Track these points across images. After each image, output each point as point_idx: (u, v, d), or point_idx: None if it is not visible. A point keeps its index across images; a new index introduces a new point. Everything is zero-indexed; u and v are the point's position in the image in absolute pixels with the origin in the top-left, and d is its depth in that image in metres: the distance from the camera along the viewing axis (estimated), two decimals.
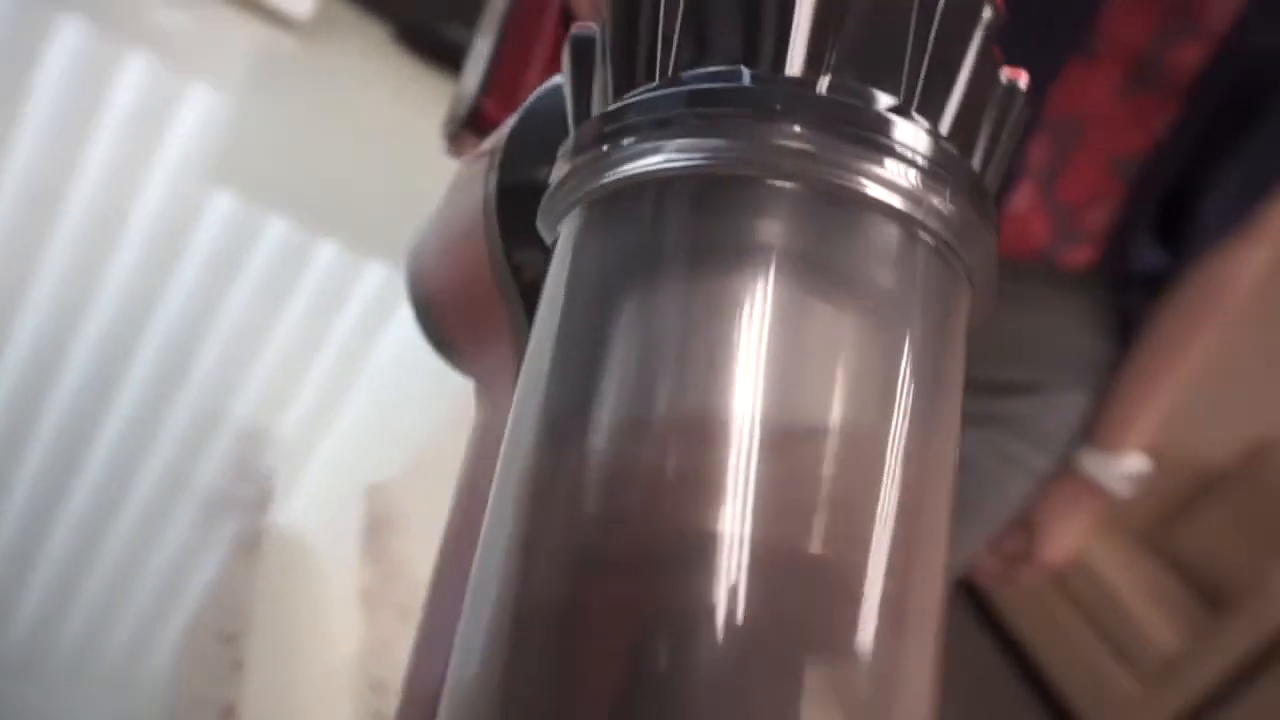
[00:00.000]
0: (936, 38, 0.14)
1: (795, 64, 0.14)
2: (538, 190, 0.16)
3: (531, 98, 0.21)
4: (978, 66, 0.15)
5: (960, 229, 0.14)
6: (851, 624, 0.12)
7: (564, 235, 0.15)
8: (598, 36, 0.16)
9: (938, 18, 0.14)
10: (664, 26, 0.15)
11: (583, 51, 0.16)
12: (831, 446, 0.12)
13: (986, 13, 0.14)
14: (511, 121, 0.21)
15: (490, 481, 0.14)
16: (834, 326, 0.13)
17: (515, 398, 0.15)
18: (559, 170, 0.15)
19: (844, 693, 0.11)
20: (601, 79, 0.16)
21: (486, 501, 0.14)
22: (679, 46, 0.14)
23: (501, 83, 0.27)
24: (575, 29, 0.17)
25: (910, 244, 0.14)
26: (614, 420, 0.12)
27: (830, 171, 0.13)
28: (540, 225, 0.16)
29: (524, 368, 0.15)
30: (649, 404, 0.12)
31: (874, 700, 0.11)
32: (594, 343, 0.13)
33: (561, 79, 0.17)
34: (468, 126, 0.28)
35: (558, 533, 0.12)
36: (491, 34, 0.29)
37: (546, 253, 0.16)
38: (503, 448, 0.14)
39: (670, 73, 0.15)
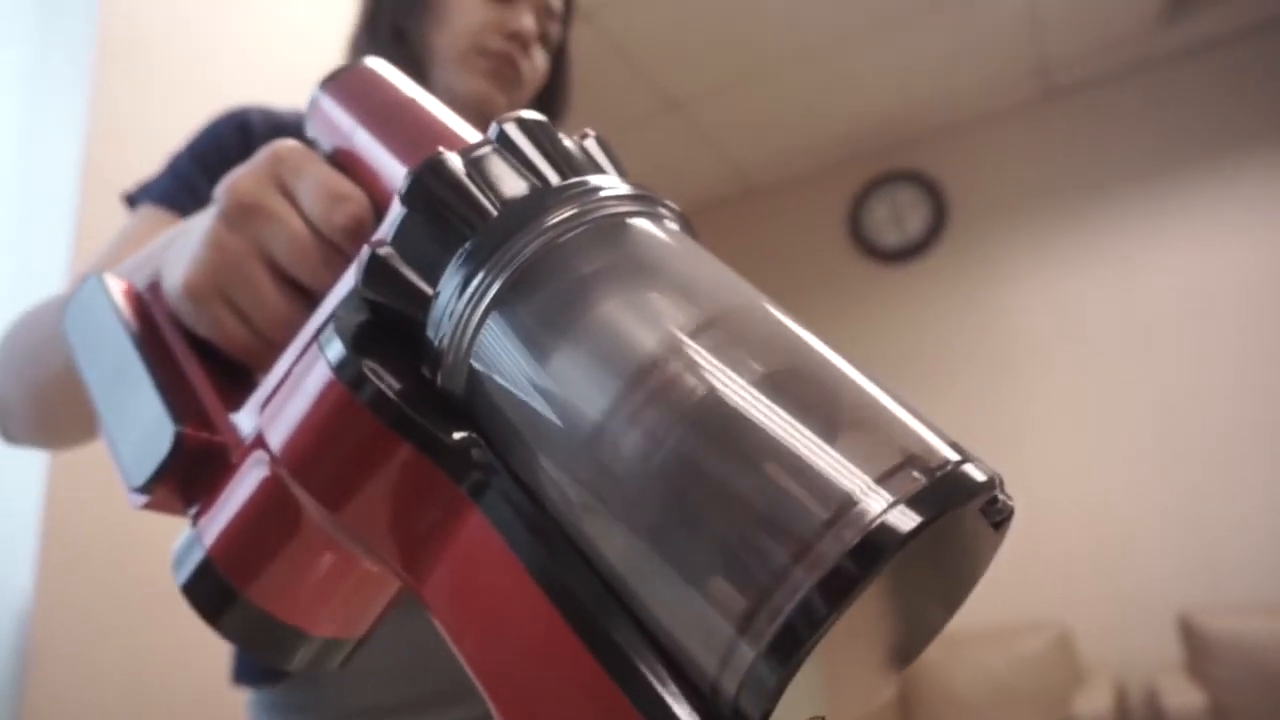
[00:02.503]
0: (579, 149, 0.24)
1: (553, 180, 0.23)
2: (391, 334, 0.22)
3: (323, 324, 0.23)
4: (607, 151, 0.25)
5: (680, 216, 0.24)
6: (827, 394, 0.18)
7: (490, 340, 0.20)
8: (390, 254, 0.22)
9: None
10: (455, 213, 0.22)
11: (381, 269, 0.22)
12: (735, 306, 0.20)
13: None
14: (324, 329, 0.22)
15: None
16: (675, 264, 0.21)
17: (530, 436, 0.20)
18: (449, 321, 0.21)
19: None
20: (422, 261, 0.22)
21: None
22: (466, 217, 0.22)
23: (185, 407, 0.27)
24: (367, 259, 0.22)
25: (662, 220, 0.23)
26: (634, 373, 0.18)
27: (605, 212, 0.22)
28: (451, 367, 0.21)
29: (526, 424, 0.20)
30: (628, 361, 0.19)
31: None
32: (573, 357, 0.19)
33: (362, 294, 0.22)
34: (169, 468, 0.25)
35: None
36: (129, 381, 0.28)
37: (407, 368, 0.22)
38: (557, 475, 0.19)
39: (474, 228, 0.21)
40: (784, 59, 3.03)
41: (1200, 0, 2.81)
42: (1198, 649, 2.53)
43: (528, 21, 0.87)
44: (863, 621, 0.16)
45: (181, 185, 0.76)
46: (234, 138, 0.79)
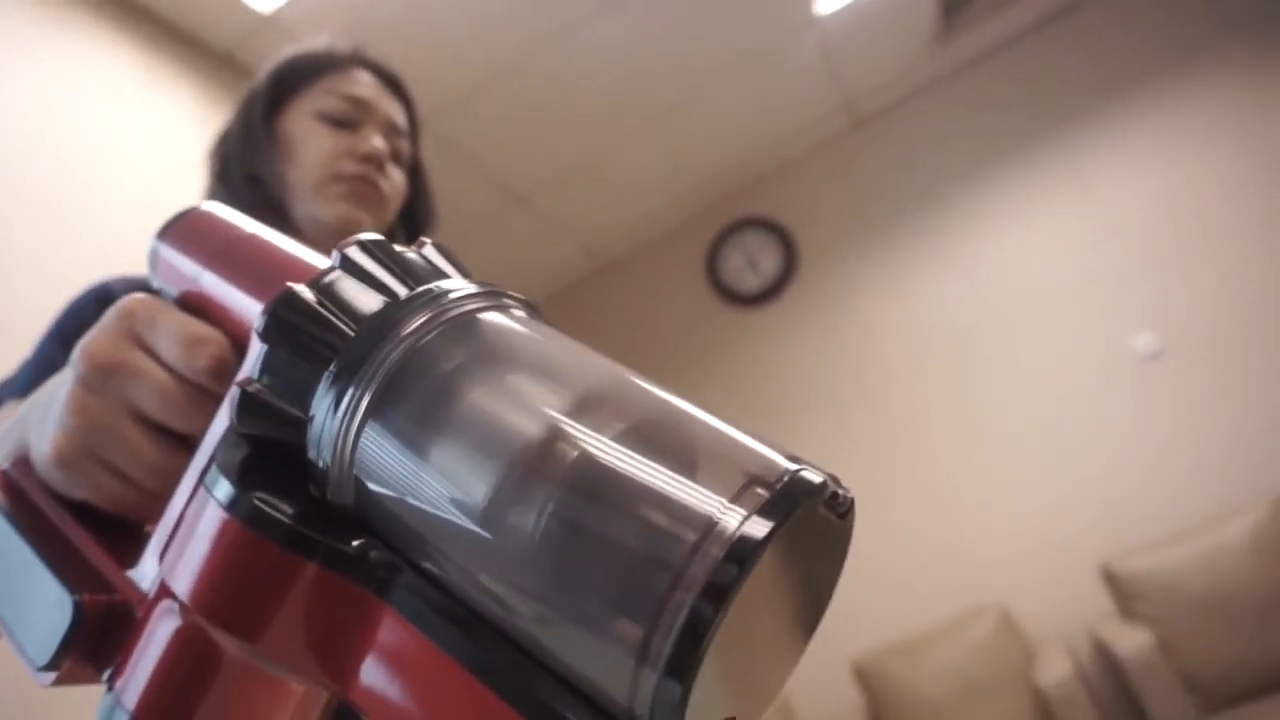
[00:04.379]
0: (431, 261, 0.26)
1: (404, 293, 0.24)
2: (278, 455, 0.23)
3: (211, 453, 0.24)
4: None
5: (527, 304, 0.26)
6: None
7: (370, 449, 0.22)
8: (260, 389, 0.23)
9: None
10: (315, 339, 0.23)
11: (254, 404, 0.23)
12: (604, 382, 0.22)
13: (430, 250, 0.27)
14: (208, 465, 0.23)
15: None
16: (528, 347, 0.23)
17: (435, 545, 0.21)
18: (336, 432, 0.22)
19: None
20: (291, 390, 0.23)
21: None
22: (326, 341, 0.23)
23: (77, 573, 0.26)
24: (238, 398, 0.23)
25: (509, 309, 0.25)
26: (515, 459, 0.20)
27: (456, 312, 0.23)
28: (340, 481, 0.22)
29: (423, 520, 0.21)
30: (510, 443, 0.20)
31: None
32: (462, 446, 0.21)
33: (235, 433, 0.23)
34: (74, 639, 0.24)
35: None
36: (13, 562, 0.28)
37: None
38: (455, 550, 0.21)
39: (332, 352, 0.23)
40: (613, 137, 3.16)
41: (964, 20, 3.14)
42: (1125, 593, 2.67)
43: (377, 141, 0.90)
44: (752, 622, 0.18)
45: (45, 370, 0.74)
46: (95, 311, 0.77)
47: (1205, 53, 3.07)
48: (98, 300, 0.78)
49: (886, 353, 3.41)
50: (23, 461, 0.32)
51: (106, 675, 0.25)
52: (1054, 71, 3.30)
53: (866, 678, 2.89)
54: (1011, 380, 3.19)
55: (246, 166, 0.89)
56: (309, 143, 0.88)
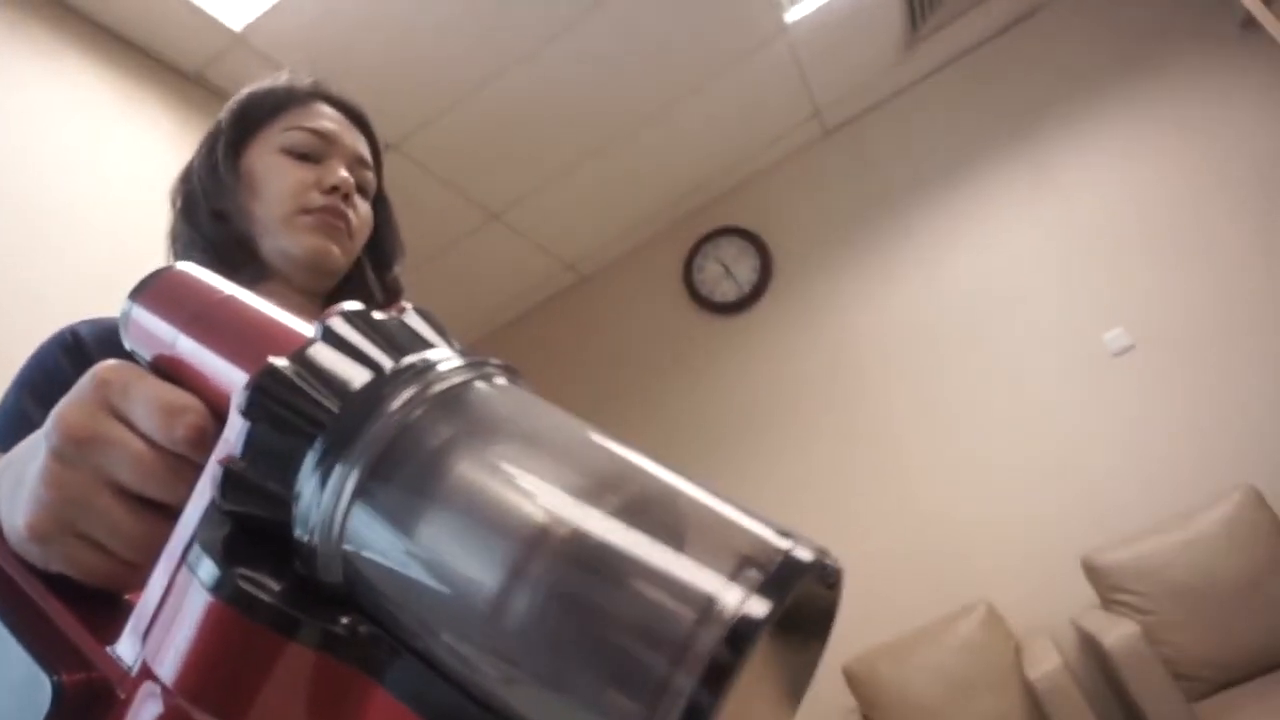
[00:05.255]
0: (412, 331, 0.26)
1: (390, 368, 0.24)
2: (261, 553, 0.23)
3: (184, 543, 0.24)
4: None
5: (508, 369, 0.26)
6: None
7: (360, 528, 0.21)
8: (243, 467, 0.23)
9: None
10: (300, 415, 0.23)
11: (237, 482, 0.23)
12: (596, 456, 0.22)
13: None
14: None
15: None
16: (517, 420, 0.23)
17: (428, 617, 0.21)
18: (329, 499, 0.22)
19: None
20: (276, 467, 0.22)
21: None
22: (311, 417, 0.23)
23: (56, 651, 0.26)
24: (221, 476, 0.23)
25: (493, 379, 0.25)
26: (518, 536, 0.20)
27: (443, 386, 0.23)
28: (326, 563, 0.22)
29: (415, 600, 0.21)
30: (510, 523, 0.20)
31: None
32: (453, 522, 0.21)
33: (220, 508, 0.23)
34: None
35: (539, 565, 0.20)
36: None
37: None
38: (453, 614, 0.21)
39: (320, 426, 0.22)
40: (587, 151, 3.17)
41: (930, 27, 3.19)
42: (1106, 584, 2.70)
43: (343, 173, 0.90)
44: (747, 690, 0.19)
45: (12, 420, 0.73)
46: (64, 359, 0.77)
47: (1165, 51, 3.14)
48: (64, 349, 0.78)
49: (862, 355, 3.43)
50: None
51: None
52: (1018, 74, 3.35)
53: (857, 681, 2.90)
54: (987, 379, 3.22)
55: (212, 203, 0.89)
56: (274, 177, 0.88)
